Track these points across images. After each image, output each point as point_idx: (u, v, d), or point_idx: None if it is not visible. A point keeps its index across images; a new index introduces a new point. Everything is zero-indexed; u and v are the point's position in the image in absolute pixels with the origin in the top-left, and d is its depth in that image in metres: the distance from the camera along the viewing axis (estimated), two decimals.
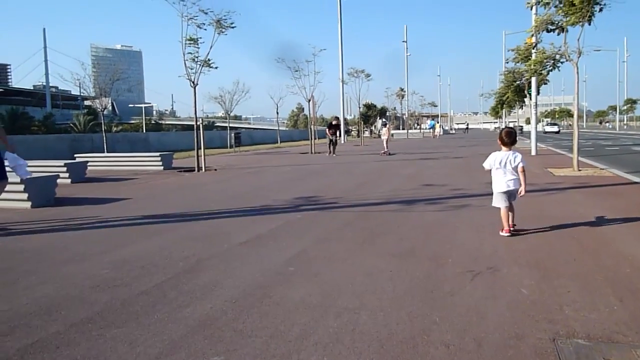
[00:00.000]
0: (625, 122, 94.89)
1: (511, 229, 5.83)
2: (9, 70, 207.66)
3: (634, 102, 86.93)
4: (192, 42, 14.21)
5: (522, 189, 5.67)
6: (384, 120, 26.45)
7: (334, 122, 24.85)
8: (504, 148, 5.83)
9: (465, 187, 10.23)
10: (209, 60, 14.71)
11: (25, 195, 8.97)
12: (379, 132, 23.47)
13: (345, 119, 51.88)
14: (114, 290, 4.20)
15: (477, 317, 3.40)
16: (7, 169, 7.40)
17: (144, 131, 66.13)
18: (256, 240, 5.96)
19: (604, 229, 6.20)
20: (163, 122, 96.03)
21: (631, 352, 2.83)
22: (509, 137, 5.79)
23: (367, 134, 52.84)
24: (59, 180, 11.01)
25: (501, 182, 5.77)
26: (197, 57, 14.53)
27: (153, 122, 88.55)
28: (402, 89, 57.66)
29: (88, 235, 6.68)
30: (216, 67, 15.01)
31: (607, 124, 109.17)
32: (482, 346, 2.96)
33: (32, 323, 3.52)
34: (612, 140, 36.14)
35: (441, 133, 60.33)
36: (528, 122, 67.38)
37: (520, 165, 5.66)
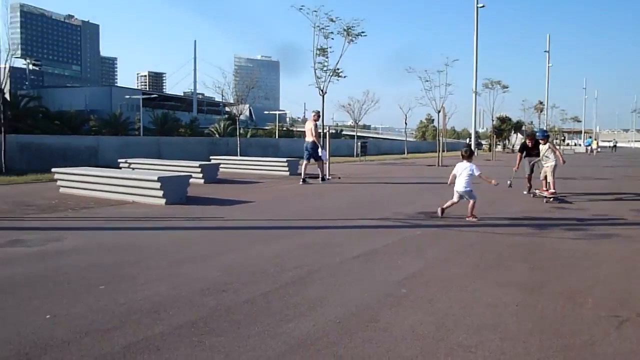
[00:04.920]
0: None
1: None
2: (164, 78, 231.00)
3: None
4: (321, 52, 14.40)
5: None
6: (539, 130, 15.31)
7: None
8: (465, 160, 8.14)
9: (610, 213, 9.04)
10: (338, 69, 14.80)
11: (161, 193, 9.59)
12: (542, 155, 10.97)
13: (476, 132, 49.76)
14: (221, 295, 4.17)
15: None
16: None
17: (277, 137, 69.13)
18: (370, 255, 5.67)
19: None
20: (294, 128, 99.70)
21: None
22: (467, 153, 8.31)
23: (499, 148, 50.18)
24: (193, 180, 11.73)
25: (458, 184, 8.06)
26: (326, 67, 14.69)
27: (285, 128, 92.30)
28: (541, 102, 53.88)
29: (209, 235, 6.89)
30: (345, 77, 15.09)
31: None
32: None
33: (141, 320, 3.57)
34: None
35: (598, 150, 55.94)
36: None
37: (477, 172, 8.04)
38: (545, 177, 10.83)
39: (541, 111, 54.47)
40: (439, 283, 4.59)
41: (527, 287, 4.50)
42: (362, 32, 14.74)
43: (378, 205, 10.24)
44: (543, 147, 11.10)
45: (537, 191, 11.17)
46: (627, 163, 32.11)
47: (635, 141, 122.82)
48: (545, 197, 10.59)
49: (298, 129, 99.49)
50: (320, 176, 14.45)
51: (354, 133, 36.84)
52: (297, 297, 4.13)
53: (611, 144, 78.21)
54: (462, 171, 8.03)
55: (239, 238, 6.72)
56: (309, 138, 14.27)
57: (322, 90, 15.21)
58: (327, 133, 16.33)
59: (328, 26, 14.38)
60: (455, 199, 8.13)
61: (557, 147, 11.48)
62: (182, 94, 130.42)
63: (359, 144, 31.29)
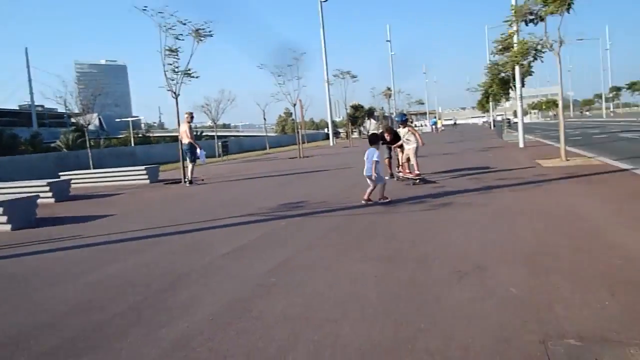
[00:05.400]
0: (611, 110, 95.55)
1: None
2: None
3: (619, 89, 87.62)
4: (171, 52, 14.01)
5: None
6: (398, 114, 14.68)
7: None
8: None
9: (455, 185, 10.12)
10: (189, 70, 14.53)
11: (4, 218, 8.73)
12: (403, 138, 11.33)
13: (333, 121, 51.89)
14: (87, 314, 4.01)
15: (464, 322, 3.25)
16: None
17: (132, 145, 65.63)
18: (239, 251, 5.78)
19: (594, 220, 6.09)
20: (151, 134, 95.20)
21: (624, 351, 2.69)
22: (371, 139, 8.86)
23: (355, 134, 52.90)
24: (42, 200, 10.80)
25: (365, 169, 8.45)
26: (177, 68, 14.34)
27: (141, 135, 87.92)
28: (389, 89, 57.66)
29: (67, 256, 6.47)
30: (197, 77, 14.83)
31: (587, 113, 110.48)
32: (468, 353, 2.81)
33: None
34: (600, 128, 36.25)
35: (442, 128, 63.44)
36: (516, 114, 67.45)
37: (374, 158, 8.31)
38: (408, 160, 11.20)
39: (389, 97, 58.33)
40: (305, 268, 4.85)
41: (384, 259, 4.95)
42: (210, 32, 14.58)
43: (244, 202, 10.34)
44: (403, 131, 11.28)
45: (400, 174, 11.37)
46: (465, 138, 35.80)
47: (472, 117, 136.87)
48: (411, 179, 10.79)
49: (155, 135, 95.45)
50: (188, 179, 14.67)
51: (214, 133, 36.32)
52: (169, 302, 4.12)
53: (452, 122, 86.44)
54: (367, 157, 8.45)
55: (101, 254, 6.40)
56: (185, 140, 14.65)
57: (174, 93, 14.81)
58: None
59: (175, 26, 14.00)
60: (371, 185, 8.44)
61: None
62: (17, 108, 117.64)
63: (220, 143, 31.01)
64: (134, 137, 78.91)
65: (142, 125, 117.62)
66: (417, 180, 10.68)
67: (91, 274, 5.28)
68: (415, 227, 6.40)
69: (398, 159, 11.65)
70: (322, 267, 4.81)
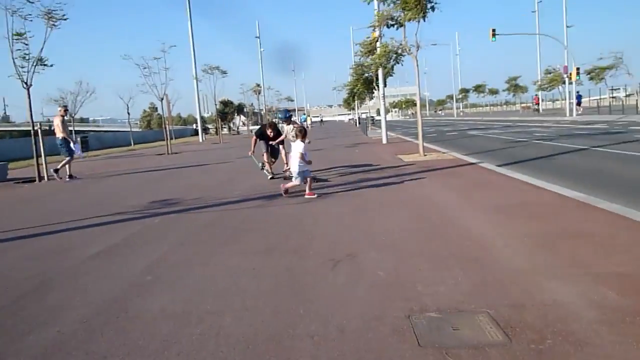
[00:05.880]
0: (461, 110, 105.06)
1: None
2: None
3: (467, 91, 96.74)
4: (19, 37, 12.77)
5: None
6: (282, 111, 13.48)
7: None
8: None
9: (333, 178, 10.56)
10: (42, 57, 13.37)
11: None
12: (290, 136, 10.64)
13: (202, 117, 50.82)
14: None
15: (339, 305, 3.50)
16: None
17: None
18: (111, 250, 5.54)
19: (447, 208, 6.78)
20: None
21: (474, 318, 3.11)
22: (300, 133, 8.57)
23: (225, 131, 52.32)
24: None
25: (292, 164, 8.33)
26: (28, 55, 13.11)
27: None
28: (258, 85, 57.89)
29: None
30: (51, 65, 13.71)
31: (440, 112, 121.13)
32: (344, 332, 3.04)
33: None
34: (452, 126, 39.84)
35: (312, 126, 65.62)
36: (379, 112, 71.42)
37: (301, 150, 8.13)
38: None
39: (259, 93, 58.57)
40: (182, 264, 4.81)
41: (261, 251, 5.08)
42: (64, 16, 13.49)
43: (112, 200, 9.82)
44: (288, 128, 11.15)
45: (288, 173, 10.49)
46: (334, 134, 37.27)
47: (338, 115, 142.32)
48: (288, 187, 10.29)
49: (0, 129, 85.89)
50: (67, 173, 14.52)
51: (71, 128, 33.60)
52: (35, 308, 3.85)
53: (319, 119, 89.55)
54: (294, 151, 8.21)
55: None
56: (59, 134, 14.44)
57: (25, 83, 13.52)
58: (39, 131, 14.65)
59: (22, 8, 12.74)
60: (296, 181, 8.22)
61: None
62: None
63: (79, 139, 28.84)
64: None
65: None
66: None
67: None
68: (290, 220, 6.61)
69: (283, 157, 11.57)
70: (199, 263, 4.81)
